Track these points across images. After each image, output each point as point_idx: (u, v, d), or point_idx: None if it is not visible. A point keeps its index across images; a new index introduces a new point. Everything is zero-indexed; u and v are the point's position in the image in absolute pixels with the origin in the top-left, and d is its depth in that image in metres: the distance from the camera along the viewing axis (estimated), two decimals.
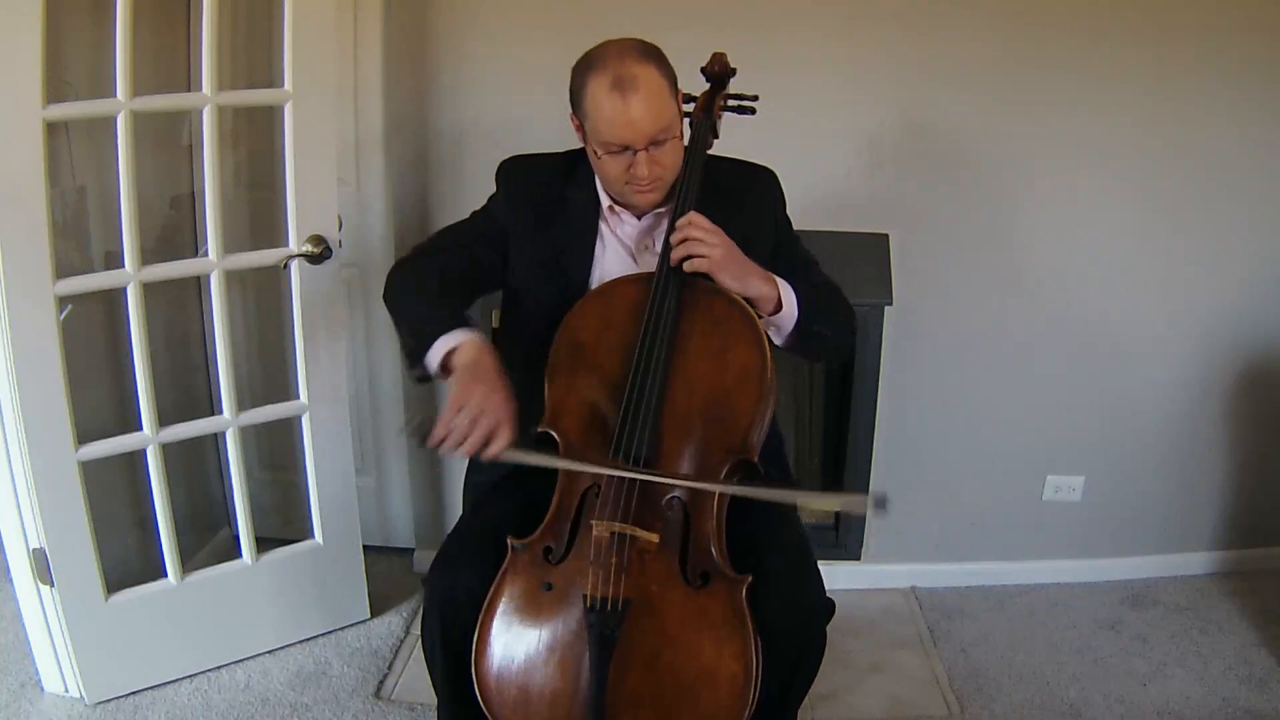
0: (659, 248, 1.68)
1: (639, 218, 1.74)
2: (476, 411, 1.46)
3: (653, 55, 1.59)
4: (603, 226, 1.75)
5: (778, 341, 1.69)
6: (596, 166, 1.66)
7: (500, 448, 1.48)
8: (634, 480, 1.55)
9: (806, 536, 1.71)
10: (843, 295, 1.77)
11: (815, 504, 1.58)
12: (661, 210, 1.72)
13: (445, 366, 1.56)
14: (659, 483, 1.56)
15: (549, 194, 1.75)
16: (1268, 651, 2.41)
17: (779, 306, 1.64)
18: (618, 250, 1.75)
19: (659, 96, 1.57)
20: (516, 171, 1.79)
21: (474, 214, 1.82)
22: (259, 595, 2.33)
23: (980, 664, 2.38)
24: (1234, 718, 2.20)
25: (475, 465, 1.83)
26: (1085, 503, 2.66)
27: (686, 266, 1.60)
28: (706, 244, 1.59)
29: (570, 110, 1.65)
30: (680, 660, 1.49)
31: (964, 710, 2.22)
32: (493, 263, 1.75)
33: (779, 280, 1.66)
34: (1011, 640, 2.47)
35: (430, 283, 1.67)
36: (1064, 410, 2.58)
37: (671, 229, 1.63)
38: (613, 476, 1.55)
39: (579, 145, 1.78)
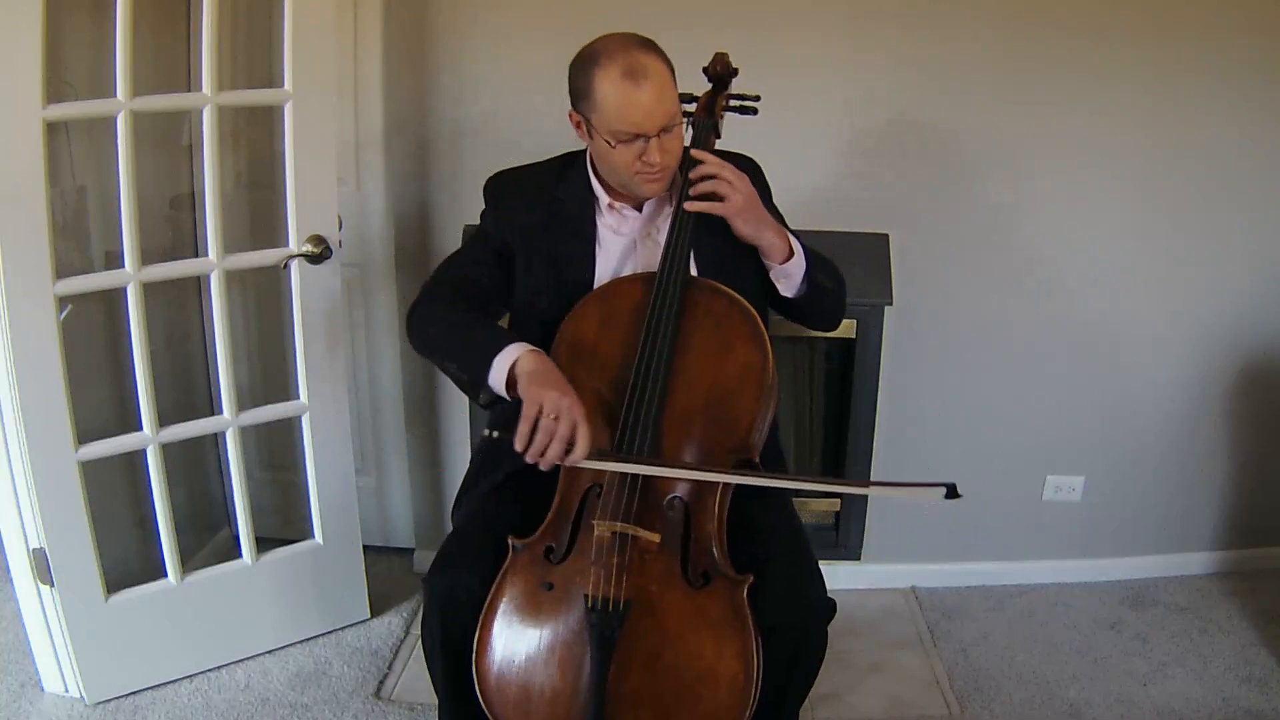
0: (662, 236, 1.69)
1: (638, 209, 1.75)
2: (553, 414, 1.47)
3: (653, 46, 1.62)
4: (600, 225, 1.75)
5: (789, 294, 1.72)
6: (604, 157, 1.66)
7: (584, 450, 1.49)
8: (635, 480, 1.55)
9: (807, 536, 1.71)
10: (832, 262, 1.80)
11: (883, 493, 1.58)
12: (662, 197, 1.74)
13: (509, 383, 1.56)
14: (662, 478, 1.56)
15: (540, 201, 1.76)
16: (1268, 651, 2.41)
17: (789, 256, 1.68)
18: (615, 248, 1.76)
19: (666, 85, 1.60)
20: (503, 185, 1.80)
21: (469, 239, 1.82)
22: (259, 595, 2.33)
23: (980, 664, 2.38)
24: (1234, 718, 2.20)
25: (473, 479, 1.83)
26: (1085, 503, 2.66)
27: (704, 207, 1.64)
28: (733, 186, 1.63)
29: (569, 108, 1.66)
30: (681, 660, 1.49)
31: (964, 710, 2.22)
32: (493, 283, 1.76)
33: (787, 232, 1.71)
34: (1011, 640, 2.47)
35: (457, 314, 1.67)
36: (1064, 410, 2.59)
37: (676, 212, 1.67)
38: (615, 475, 1.55)
39: (568, 150, 1.79)
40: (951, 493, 1.43)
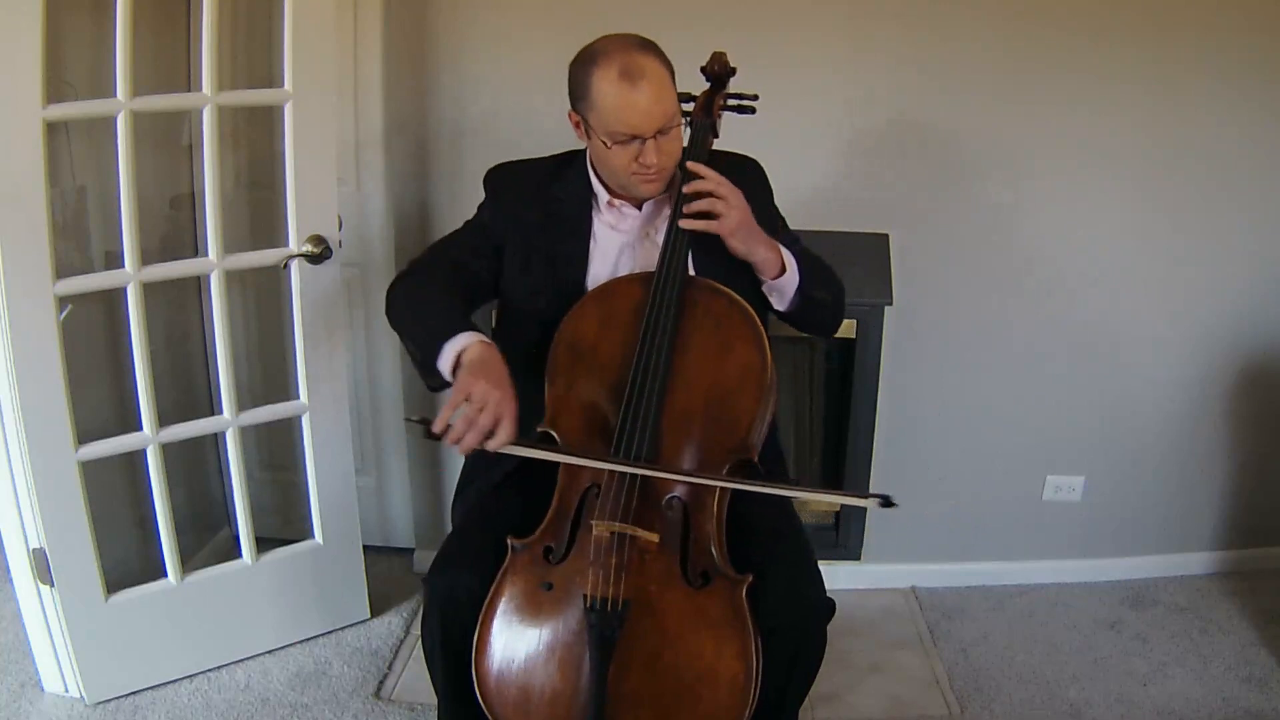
0: (660, 236, 1.69)
1: (639, 208, 1.75)
2: (478, 405, 1.47)
3: (652, 47, 1.62)
4: (596, 224, 1.75)
5: (781, 307, 1.73)
6: (602, 158, 1.66)
7: (502, 441, 1.48)
8: (634, 479, 1.55)
9: (807, 536, 1.71)
10: (831, 268, 1.80)
11: (822, 501, 1.61)
12: (662, 197, 1.74)
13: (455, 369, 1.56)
14: (660, 479, 1.56)
15: (539, 196, 1.76)
16: (1268, 651, 2.41)
17: (782, 271, 1.68)
18: (612, 247, 1.76)
19: (664, 86, 1.59)
20: (504, 178, 1.80)
21: (466, 225, 1.82)
22: (259, 595, 2.33)
23: (980, 664, 2.38)
24: (1234, 718, 2.20)
25: (469, 477, 1.83)
26: (1085, 503, 2.66)
27: (700, 225, 1.63)
28: (728, 204, 1.63)
29: (569, 107, 1.66)
30: (681, 660, 1.49)
31: (964, 710, 2.22)
32: (488, 274, 1.76)
33: (780, 247, 1.70)
34: (1011, 640, 2.47)
35: (430, 295, 1.67)
36: (1064, 410, 2.58)
37: (675, 211, 1.66)
38: (614, 476, 1.55)
39: (570, 148, 1.79)
40: (886, 503, 1.47)
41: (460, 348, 1.54)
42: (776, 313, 1.76)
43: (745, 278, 1.71)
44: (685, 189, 1.65)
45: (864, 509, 2.61)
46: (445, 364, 1.55)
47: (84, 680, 2.15)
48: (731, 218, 1.63)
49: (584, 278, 1.73)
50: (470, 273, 1.74)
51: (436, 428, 1.48)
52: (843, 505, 2.61)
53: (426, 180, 2.49)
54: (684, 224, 1.64)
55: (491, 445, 1.48)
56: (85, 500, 2.05)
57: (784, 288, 1.70)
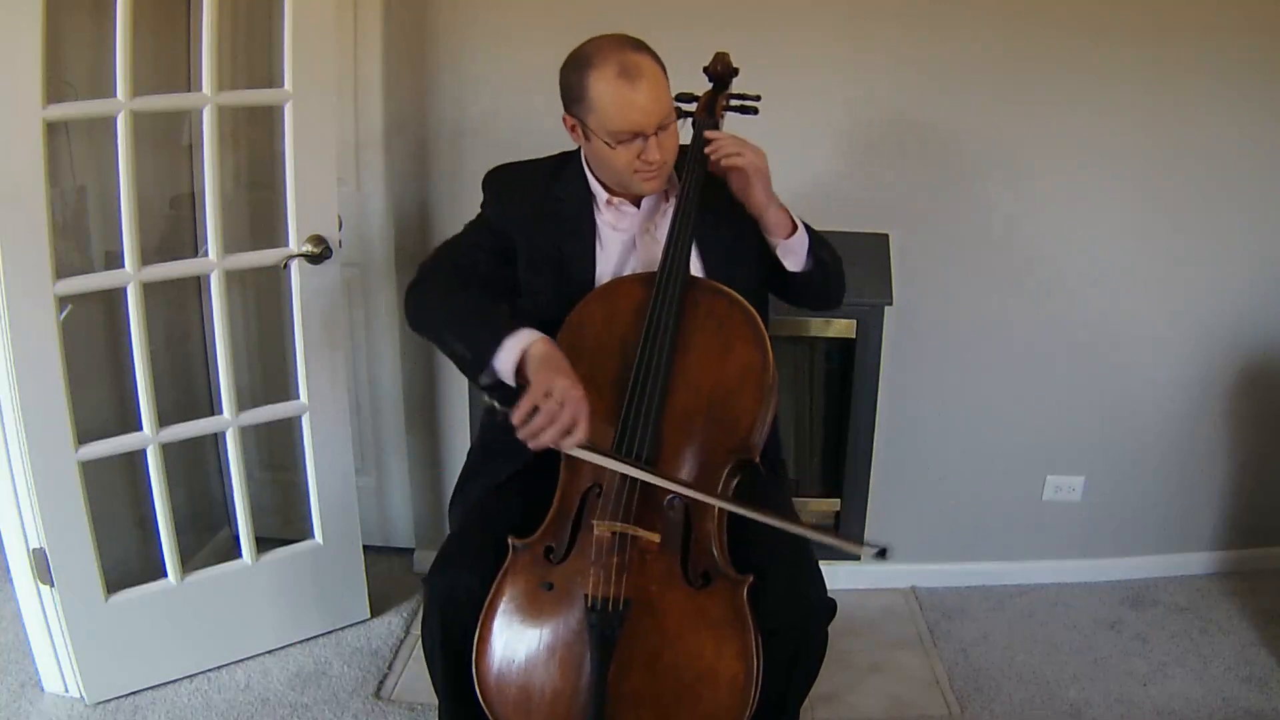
0: (661, 234, 1.69)
1: (636, 205, 1.75)
2: (559, 400, 1.47)
3: (643, 46, 1.62)
4: (599, 222, 1.75)
5: (795, 268, 1.71)
6: (603, 159, 1.66)
7: (579, 439, 1.49)
8: (635, 480, 1.55)
9: (808, 537, 1.70)
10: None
11: (814, 537, 1.59)
12: (659, 194, 1.74)
13: (517, 367, 1.55)
14: (669, 488, 1.55)
15: (541, 196, 1.76)
16: (1268, 651, 2.41)
17: (793, 230, 1.69)
18: (615, 246, 1.76)
19: (660, 83, 1.60)
20: (505, 179, 1.80)
21: (468, 227, 1.81)
22: (259, 595, 2.33)
23: (980, 664, 2.38)
24: (1234, 718, 2.20)
25: (468, 477, 1.83)
26: (1085, 503, 2.66)
27: (726, 162, 1.64)
28: (746, 148, 1.64)
29: (563, 111, 1.66)
30: (681, 660, 1.50)
31: (964, 710, 2.22)
32: (499, 273, 1.76)
33: (789, 209, 1.71)
34: (1011, 640, 2.47)
35: (464, 293, 1.67)
36: (1064, 410, 2.59)
37: (677, 212, 1.67)
38: (615, 475, 1.55)
39: (567, 149, 1.78)
40: (881, 554, 1.52)
41: (525, 344, 1.54)
42: (786, 283, 1.74)
43: (752, 264, 1.71)
44: (708, 136, 1.67)
45: (863, 508, 2.61)
46: (507, 361, 1.54)
47: (84, 680, 2.15)
48: (756, 159, 1.64)
49: (591, 277, 1.73)
50: (479, 273, 1.73)
51: (517, 418, 1.48)
52: (843, 503, 2.62)
53: (426, 180, 2.49)
54: (726, 162, 1.64)
55: (566, 444, 1.49)
56: (85, 500, 2.05)
57: (796, 248, 1.70)
